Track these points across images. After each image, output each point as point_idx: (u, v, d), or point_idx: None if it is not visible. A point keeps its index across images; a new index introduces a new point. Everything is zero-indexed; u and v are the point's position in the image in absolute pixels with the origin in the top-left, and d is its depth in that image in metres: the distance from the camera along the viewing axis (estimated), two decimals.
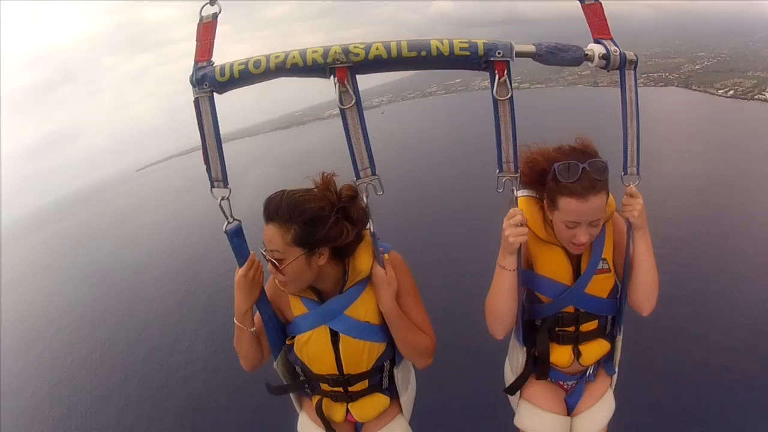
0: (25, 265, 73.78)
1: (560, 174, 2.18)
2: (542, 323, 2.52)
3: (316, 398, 2.51)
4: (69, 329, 34.54)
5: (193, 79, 2.00)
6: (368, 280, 2.25)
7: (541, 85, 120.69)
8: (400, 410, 2.60)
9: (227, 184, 2.11)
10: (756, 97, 70.90)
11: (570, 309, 2.48)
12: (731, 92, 77.00)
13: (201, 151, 2.07)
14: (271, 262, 2.09)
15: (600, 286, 2.46)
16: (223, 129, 2.10)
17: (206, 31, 2.05)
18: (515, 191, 2.12)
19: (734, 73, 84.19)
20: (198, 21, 2.05)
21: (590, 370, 2.68)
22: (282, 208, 2.04)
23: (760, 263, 23.25)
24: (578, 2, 2.15)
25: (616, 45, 2.10)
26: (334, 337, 2.28)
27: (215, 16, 2.05)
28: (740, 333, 18.57)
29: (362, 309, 2.26)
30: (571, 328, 2.52)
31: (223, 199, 2.10)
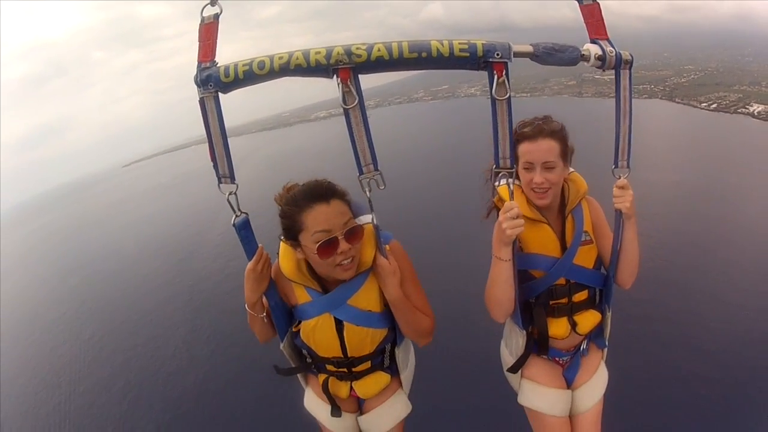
0: (13, 257, 72.51)
1: (518, 127, 2.50)
2: (537, 299, 2.71)
3: (322, 377, 2.65)
4: (61, 320, 34.11)
5: (198, 79, 2.04)
6: (370, 270, 2.35)
7: (526, 95, 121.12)
8: (400, 385, 2.77)
9: (234, 179, 2.16)
10: (739, 110, 71.44)
11: (562, 281, 2.67)
12: (714, 105, 77.53)
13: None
14: (352, 231, 2.21)
15: (585, 256, 2.68)
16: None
17: (208, 31, 2.08)
18: (511, 184, 2.22)
19: (720, 87, 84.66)
20: (199, 22, 2.07)
21: (583, 345, 2.87)
22: (334, 185, 2.27)
23: (739, 267, 23.88)
24: (575, 4, 2.21)
25: (612, 45, 2.17)
26: (339, 324, 2.39)
27: (216, 16, 2.08)
28: (710, 322, 19.58)
29: (364, 299, 2.38)
30: (564, 300, 2.71)
31: (230, 194, 2.16)
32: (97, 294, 37.87)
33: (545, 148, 2.47)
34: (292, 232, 2.25)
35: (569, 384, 2.91)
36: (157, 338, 26.84)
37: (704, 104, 79.79)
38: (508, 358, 2.93)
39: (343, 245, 2.17)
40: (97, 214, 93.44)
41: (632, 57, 2.20)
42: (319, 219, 2.16)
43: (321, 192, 2.19)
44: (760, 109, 68.06)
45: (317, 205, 2.16)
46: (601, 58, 2.13)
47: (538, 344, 2.78)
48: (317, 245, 2.15)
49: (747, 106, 71.23)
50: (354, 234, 2.21)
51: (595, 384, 2.89)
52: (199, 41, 2.07)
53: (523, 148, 2.51)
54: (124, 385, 22.61)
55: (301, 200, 2.20)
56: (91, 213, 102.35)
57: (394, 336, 2.57)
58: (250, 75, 1.97)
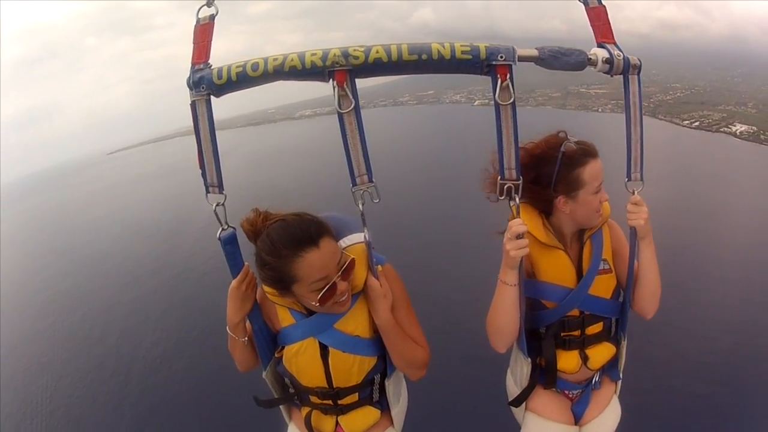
0: None
1: (569, 148, 2.26)
2: (547, 329, 2.50)
3: (305, 410, 2.44)
4: (49, 303, 33.99)
5: (190, 81, 1.95)
6: (360, 293, 2.19)
7: None
8: (391, 423, 2.53)
9: (223, 189, 2.05)
10: (721, 129, 72.44)
11: (575, 312, 2.47)
12: (696, 123, 78.44)
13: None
14: (346, 269, 2.04)
15: (603, 286, 2.47)
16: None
17: (203, 32, 2.01)
18: (518, 198, 2.07)
19: (705, 106, 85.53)
20: (195, 23, 2.00)
21: (595, 377, 2.66)
22: (317, 222, 2.03)
23: (715, 281, 24.81)
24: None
25: (619, 49, 2.07)
26: (324, 350, 2.24)
27: (212, 17, 2.01)
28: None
29: (352, 323, 2.22)
30: (577, 332, 2.51)
31: (218, 205, 2.04)
32: (83, 279, 37.80)
33: (601, 164, 2.30)
34: (282, 284, 2.05)
35: (577, 419, 2.70)
36: (146, 323, 26.94)
37: (686, 122, 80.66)
38: (513, 388, 2.73)
39: (342, 286, 2.02)
40: (84, 201, 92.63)
41: (640, 62, 2.10)
42: (314, 268, 1.95)
43: (307, 236, 1.95)
44: (742, 129, 69.17)
45: (307, 253, 1.94)
46: (609, 62, 2.04)
47: (545, 376, 2.58)
48: (319, 296, 1.99)
49: (730, 126, 72.27)
50: (348, 270, 2.05)
51: (605, 420, 2.70)
52: (194, 42, 2.00)
53: (593, 168, 2.28)
54: (113, 365, 22.77)
55: (285, 250, 1.96)
56: (77, 199, 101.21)
57: (384, 367, 2.37)
58: (243, 77, 1.88)
